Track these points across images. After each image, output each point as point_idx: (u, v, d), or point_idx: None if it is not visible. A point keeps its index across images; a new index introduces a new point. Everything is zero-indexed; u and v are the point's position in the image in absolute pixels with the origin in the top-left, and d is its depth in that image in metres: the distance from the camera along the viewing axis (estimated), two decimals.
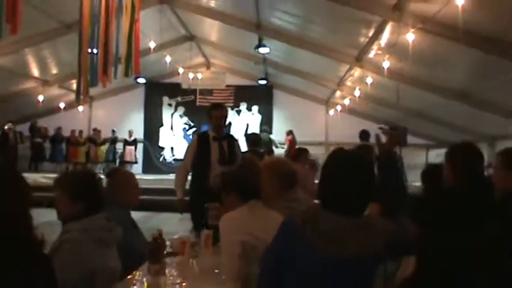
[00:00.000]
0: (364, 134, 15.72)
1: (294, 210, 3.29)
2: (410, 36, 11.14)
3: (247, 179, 3.89)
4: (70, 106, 23.83)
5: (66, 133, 23.65)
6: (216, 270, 3.83)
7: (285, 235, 2.84)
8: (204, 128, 24.84)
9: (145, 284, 3.55)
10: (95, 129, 24.39)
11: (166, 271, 3.80)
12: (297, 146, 14.16)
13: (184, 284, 3.61)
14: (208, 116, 7.64)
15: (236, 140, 7.82)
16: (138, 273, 3.80)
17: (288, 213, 3.13)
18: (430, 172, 5.87)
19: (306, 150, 11.57)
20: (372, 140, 11.46)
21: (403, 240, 3.08)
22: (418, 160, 20.29)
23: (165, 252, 4.06)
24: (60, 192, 3.73)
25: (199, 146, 7.37)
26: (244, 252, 3.36)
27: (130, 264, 3.89)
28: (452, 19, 9.68)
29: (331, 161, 2.99)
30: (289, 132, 22.49)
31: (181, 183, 7.57)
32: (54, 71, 21.21)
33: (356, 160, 2.90)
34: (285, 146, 21.52)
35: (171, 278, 3.72)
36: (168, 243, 4.43)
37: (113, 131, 24.37)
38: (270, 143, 20.32)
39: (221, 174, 4.20)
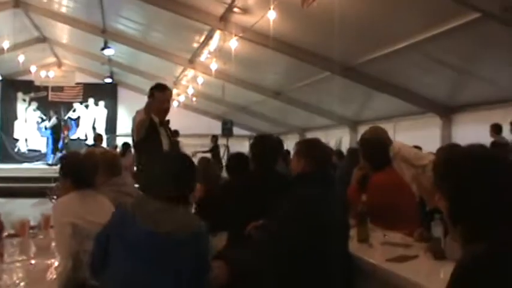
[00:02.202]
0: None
1: (119, 193, 3.28)
2: (233, 43, 11.32)
3: (83, 170, 3.72)
4: None
5: None
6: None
7: (117, 218, 2.91)
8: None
9: None
10: None
11: (10, 250, 3.66)
12: None
13: (21, 261, 3.47)
14: (150, 96, 5.64)
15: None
16: None
17: (114, 196, 3.16)
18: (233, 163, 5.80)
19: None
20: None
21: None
22: (242, 148, 20.76)
23: (5, 234, 3.85)
24: None
25: (147, 129, 5.46)
26: (75, 232, 3.30)
27: None
28: (266, 30, 9.97)
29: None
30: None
31: None
32: None
33: (167, 153, 2.94)
34: None
35: (10, 256, 3.54)
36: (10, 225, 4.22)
37: None
38: None
39: (60, 159, 3.97)
